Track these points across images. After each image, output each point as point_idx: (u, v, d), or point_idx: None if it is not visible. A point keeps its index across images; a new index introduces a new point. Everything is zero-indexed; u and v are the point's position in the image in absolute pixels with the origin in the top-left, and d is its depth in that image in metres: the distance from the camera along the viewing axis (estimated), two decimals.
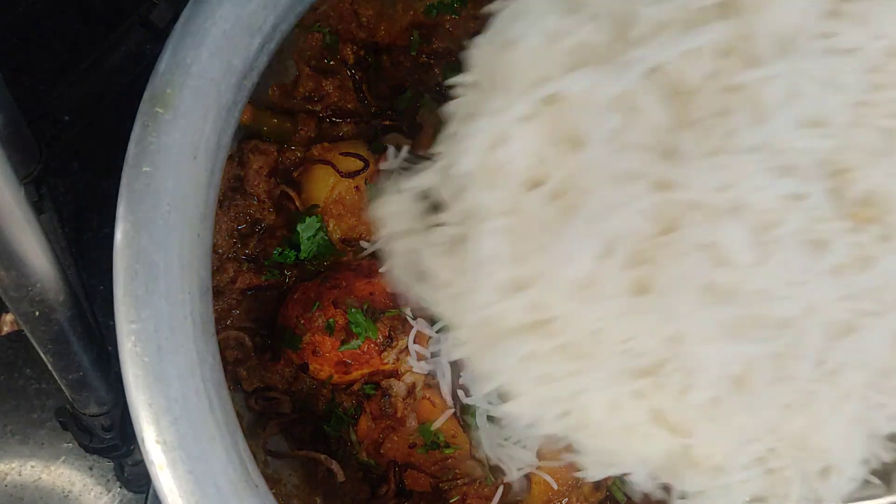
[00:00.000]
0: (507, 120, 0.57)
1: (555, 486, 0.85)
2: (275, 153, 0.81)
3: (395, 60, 0.89)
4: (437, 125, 0.87)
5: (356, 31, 0.91)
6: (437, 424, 0.77)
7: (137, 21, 0.89)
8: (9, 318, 0.90)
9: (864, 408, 0.61)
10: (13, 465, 0.91)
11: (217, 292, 0.76)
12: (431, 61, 0.92)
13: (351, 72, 0.87)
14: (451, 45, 0.92)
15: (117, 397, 0.74)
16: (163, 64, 0.62)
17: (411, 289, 0.66)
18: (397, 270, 0.67)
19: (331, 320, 0.74)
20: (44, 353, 0.64)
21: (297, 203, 0.79)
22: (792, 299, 0.56)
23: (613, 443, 0.63)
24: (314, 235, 0.78)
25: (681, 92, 0.56)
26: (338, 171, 0.78)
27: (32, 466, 0.91)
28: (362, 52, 0.89)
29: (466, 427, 0.78)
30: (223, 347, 0.73)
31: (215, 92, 0.64)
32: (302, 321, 0.74)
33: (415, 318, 0.75)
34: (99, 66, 0.90)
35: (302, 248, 0.78)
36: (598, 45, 0.57)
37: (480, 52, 0.62)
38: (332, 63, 0.89)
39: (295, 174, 0.81)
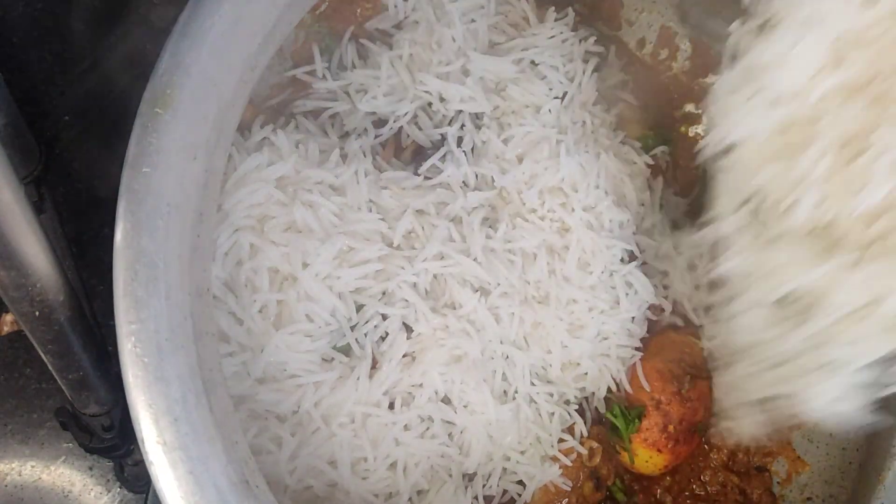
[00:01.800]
0: None
1: (567, 488, 0.86)
2: None
3: None
4: None
5: (356, 31, 0.91)
6: None
7: (137, 21, 0.89)
8: (9, 318, 0.89)
9: None
10: (13, 465, 0.91)
11: None
12: None
13: None
14: None
15: (117, 397, 0.74)
16: (162, 64, 0.62)
17: None
18: None
19: None
20: (44, 353, 0.64)
21: None
22: None
23: None
24: None
25: None
26: None
27: (32, 466, 0.91)
28: None
29: None
30: None
31: (215, 92, 0.64)
32: None
33: None
34: (99, 66, 0.90)
35: None
36: None
37: None
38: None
39: None
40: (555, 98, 0.92)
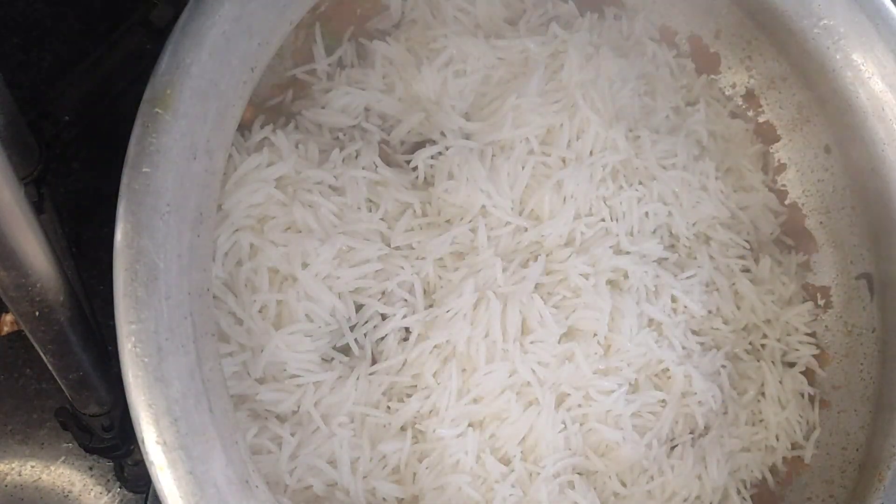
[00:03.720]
0: None
1: None
2: None
3: None
4: None
5: (356, 31, 0.91)
6: None
7: (137, 21, 0.89)
8: (9, 318, 0.89)
9: None
10: (13, 465, 0.91)
11: None
12: None
13: None
14: None
15: (117, 397, 0.74)
16: (162, 64, 0.62)
17: None
18: None
19: None
20: (44, 353, 0.64)
21: None
22: None
23: None
24: None
25: None
26: None
27: (32, 466, 0.91)
28: None
29: None
30: None
31: (215, 92, 0.64)
32: None
33: None
34: (99, 66, 0.90)
35: None
36: None
37: None
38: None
39: None
40: None
